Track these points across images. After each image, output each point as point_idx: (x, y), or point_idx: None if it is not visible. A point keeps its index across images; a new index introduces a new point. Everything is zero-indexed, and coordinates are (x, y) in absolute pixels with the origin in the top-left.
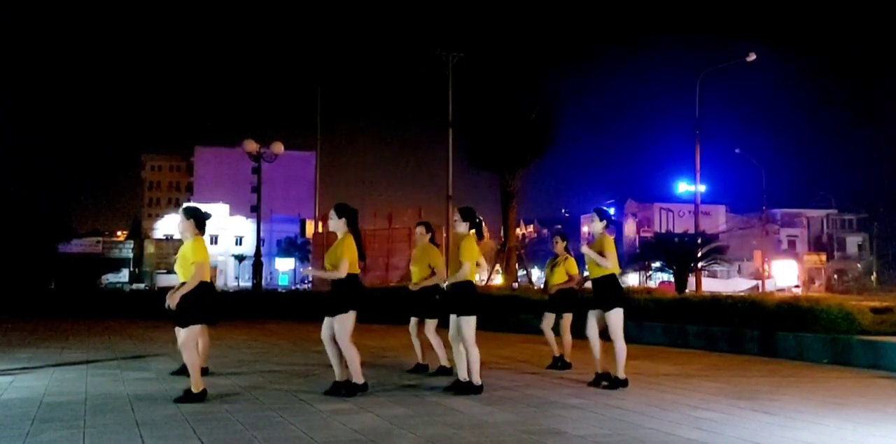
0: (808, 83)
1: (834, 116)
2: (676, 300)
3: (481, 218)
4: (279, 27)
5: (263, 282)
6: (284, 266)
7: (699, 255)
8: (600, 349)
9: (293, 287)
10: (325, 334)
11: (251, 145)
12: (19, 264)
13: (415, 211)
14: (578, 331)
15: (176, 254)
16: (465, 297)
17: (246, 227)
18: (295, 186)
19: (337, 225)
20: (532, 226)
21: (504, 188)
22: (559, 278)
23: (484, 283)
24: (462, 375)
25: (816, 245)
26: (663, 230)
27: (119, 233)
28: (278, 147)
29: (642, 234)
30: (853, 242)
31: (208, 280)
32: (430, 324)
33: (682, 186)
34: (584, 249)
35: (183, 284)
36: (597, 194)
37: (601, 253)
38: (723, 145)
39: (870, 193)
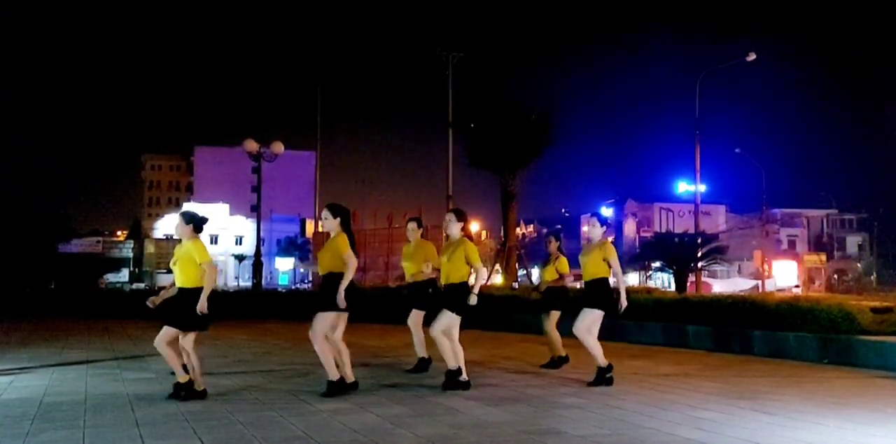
0: (808, 83)
1: (834, 116)
2: (676, 300)
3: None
4: (279, 27)
5: (263, 282)
6: (284, 266)
7: (699, 255)
8: (597, 345)
9: (293, 287)
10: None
11: (251, 145)
12: (19, 264)
13: (415, 211)
14: (565, 330)
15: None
16: (463, 297)
17: (246, 227)
18: (295, 186)
19: (331, 224)
20: (532, 226)
21: (504, 188)
22: (550, 276)
23: (485, 283)
24: (451, 365)
25: (816, 245)
26: (663, 230)
27: (119, 233)
28: (278, 147)
29: (642, 234)
30: (853, 242)
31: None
32: (419, 315)
33: (682, 186)
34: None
35: (183, 288)
36: (597, 194)
37: (608, 262)
38: (723, 145)
39: (870, 193)
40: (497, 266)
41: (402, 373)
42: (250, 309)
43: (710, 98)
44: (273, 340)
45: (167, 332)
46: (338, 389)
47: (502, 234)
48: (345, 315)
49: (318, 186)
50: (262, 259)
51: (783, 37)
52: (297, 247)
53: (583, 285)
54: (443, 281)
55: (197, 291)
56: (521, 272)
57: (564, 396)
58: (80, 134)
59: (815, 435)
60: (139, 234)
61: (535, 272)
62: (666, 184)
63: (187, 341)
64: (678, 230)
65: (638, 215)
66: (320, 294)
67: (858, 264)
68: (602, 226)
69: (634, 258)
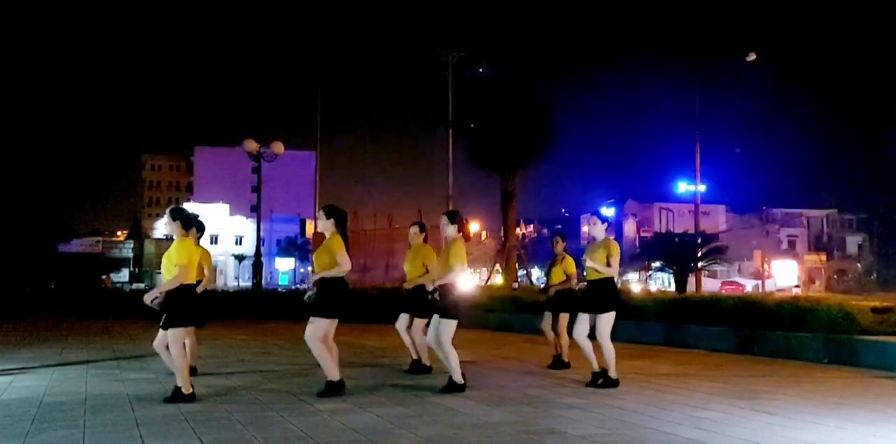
0: (808, 83)
1: (834, 116)
2: (676, 300)
3: (465, 218)
4: (279, 27)
5: (263, 282)
6: (284, 266)
7: (699, 255)
8: (592, 349)
9: (293, 287)
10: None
11: (251, 145)
12: (19, 264)
13: (415, 211)
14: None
15: None
16: (451, 299)
17: (246, 227)
18: (295, 186)
19: (325, 226)
20: (532, 226)
21: (504, 188)
22: (557, 277)
23: (485, 283)
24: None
25: (816, 245)
26: (663, 230)
27: (119, 233)
28: (278, 147)
29: (642, 234)
30: (853, 242)
31: (193, 282)
32: (420, 323)
33: (682, 186)
34: (588, 262)
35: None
36: (597, 194)
37: (608, 260)
38: (723, 145)
39: (870, 193)
40: (497, 266)
41: (401, 373)
42: (250, 309)
43: (710, 98)
44: (273, 340)
45: (161, 333)
46: (336, 389)
47: (502, 234)
48: (336, 320)
49: (318, 186)
50: (262, 259)
51: (783, 37)
52: (297, 247)
53: (586, 285)
54: (406, 286)
55: (176, 292)
56: (521, 272)
57: (564, 396)
58: (80, 134)
59: (815, 435)
60: (139, 234)
61: (536, 273)
62: (666, 184)
63: (167, 338)
64: (678, 230)
65: (638, 215)
66: (319, 296)
67: (858, 264)
68: (603, 223)
69: (634, 258)
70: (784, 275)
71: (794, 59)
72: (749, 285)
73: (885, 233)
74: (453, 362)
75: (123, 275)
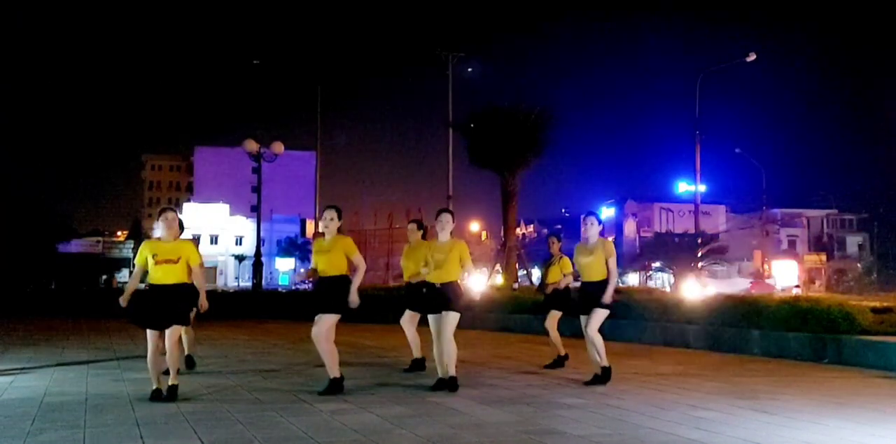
0: (808, 83)
1: (834, 116)
2: (676, 300)
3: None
4: (279, 27)
5: (263, 282)
6: (284, 266)
7: (699, 255)
8: (603, 347)
9: (293, 287)
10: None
11: (251, 145)
12: (20, 264)
13: (415, 211)
14: (567, 330)
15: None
16: (458, 295)
17: (246, 227)
18: (295, 186)
19: (335, 226)
20: (532, 226)
21: (504, 188)
22: (555, 277)
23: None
24: (448, 372)
25: (816, 245)
26: (663, 230)
27: (119, 233)
28: (278, 147)
29: (642, 234)
30: (853, 242)
31: (150, 283)
32: (414, 317)
33: (682, 186)
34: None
35: None
36: (597, 194)
37: (608, 261)
38: (723, 145)
39: (870, 193)
40: (497, 266)
41: (402, 373)
42: (250, 309)
43: (710, 98)
44: (273, 340)
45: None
46: (338, 387)
47: (502, 234)
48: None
49: (318, 186)
50: (262, 259)
51: (783, 37)
52: (297, 247)
53: (585, 286)
54: (437, 280)
55: (137, 293)
56: (521, 272)
57: (564, 396)
58: (81, 134)
59: (815, 435)
60: (139, 234)
61: (536, 273)
62: (666, 184)
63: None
64: (678, 230)
65: (638, 215)
66: (324, 296)
67: (858, 264)
68: (599, 225)
69: (634, 258)
70: (784, 275)
71: (794, 60)
72: (715, 286)
73: (885, 233)
74: (454, 356)
75: (123, 275)
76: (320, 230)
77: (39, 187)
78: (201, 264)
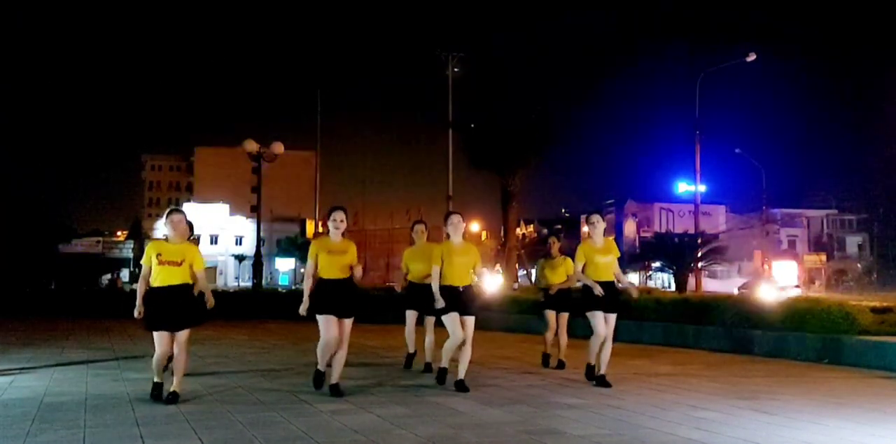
0: (808, 83)
1: (834, 116)
2: (676, 300)
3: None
4: (279, 27)
5: (263, 282)
6: (284, 266)
7: (699, 255)
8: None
9: (293, 287)
10: (335, 335)
11: (251, 145)
12: (20, 264)
13: (415, 211)
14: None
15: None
16: (476, 298)
17: (246, 227)
18: (295, 186)
19: (344, 228)
20: (532, 226)
21: (504, 188)
22: (559, 278)
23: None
24: (460, 374)
25: (816, 245)
26: (663, 230)
27: (119, 233)
28: (278, 147)
29: (642, 234)
30: (853, 242)
31: (153, 285)
32: (430, 321)
33: (682, 187)
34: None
35: None
36: (597, 194)
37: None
38: (723, 145)
39: (870, 193)
40: (497, 266)
41: (402, 373)
42: (250, 309)
43: (710, 98)
44: (273, 340)
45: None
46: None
47: (502, 234)
48: None
49: (318, 186)
50: (262, 260)
51: (783, 37)
52: (297, 247)
53: (602, 286)
54: (460, 283)
55: (144, 295)
56: (521, 272)
57: (564, 396)
58: (81, 134)
59: (815, 435)
60: (139, 234)
61: (534, 273)
62: (666, 184)
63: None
64: (678, 230)
65: (638, 215)
66: (346, 299)
67: (858, 264)
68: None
69: (634, 258)
70: (784, 275)
71: (794, 60)
72: (715, 286)
73: (885, 233)
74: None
75: (123, 275)
76: (332, 231)
77: (39, 187)
78: (205, 269)
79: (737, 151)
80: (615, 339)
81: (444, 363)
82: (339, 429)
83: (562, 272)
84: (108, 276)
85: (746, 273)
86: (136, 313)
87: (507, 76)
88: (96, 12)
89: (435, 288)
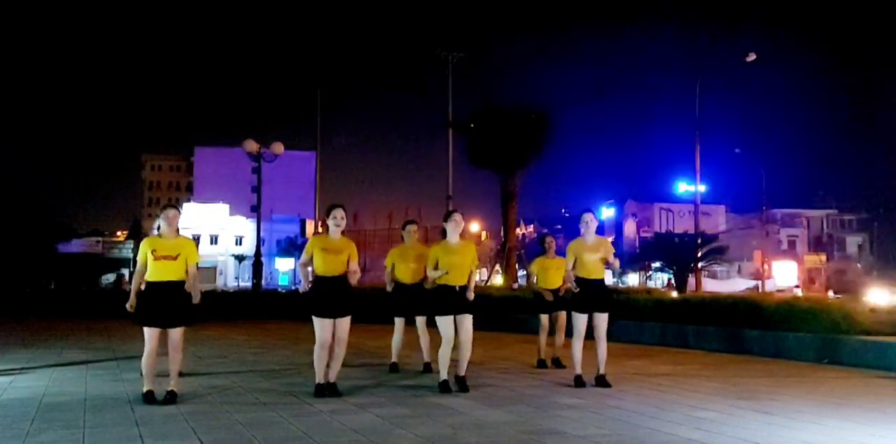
0: (808, 83)
1: (834, 116)
2: (676, 300)
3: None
4: (279, 27)
5: (263, 282)
6: (284, 266)
7: (699, 255)
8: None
9: (293, 287)
10: (329, 337)
11: (251, 145)
12: (20, 264)
13: (414, 211)
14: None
15: None
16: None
17: (246, 227)
18: (295, 186)
19: (344, 225)
20: (532, 226)
21: (504, 188)
22: (556, 278)
23: (485, 283)
24: (460, 371)
25: (816, 245)
26: (663, 230)
27: (119, 233)
28: (278, 147)
29: (642, 234)
30: (853, 242)
31: (147, 280)
32: (422, 321)
33: (682, 187)
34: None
35: None
36: (597, 194)
37: (609, 257)
38: (723, 145)
39: (870, 193)
40: (497, 266)
41: (401, 373)
42: (250, 309)
43: (710, 98)
44: (273, 340)
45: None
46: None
47: (502, 234)
48: None
49: (318, 186)
50: (262, 259)
51: (783, 37)
52: (297, 247)
53: (591, 283)
54: (456, 283)
55: (139, 291)
56: (521, 273)
57: (564, 396)
58: (80, 134)
59: (815, 435)
60: (139, 234)
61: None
62: (666, 184)
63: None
64: (678, 230)
65: (638, 215)
66: (343, 297)
67: (858, 264)
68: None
69: (634, 258)
70: (784, 275)
71: (794, 60)
72: (715, 286)
73: (885, 233)
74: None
75: (124, 275)
76: (333, 229)
77: (39, 187)
78: (197, 264)
79: (737, 151)
80: (615, 339)
81: (444, 376)
82: (339, 429)
83: (557, 273)
84: (113, 275)
85: (747, 273)
86: (128, 306)
87: (508, 76)
88: (96, 12)
89: (431, 274)
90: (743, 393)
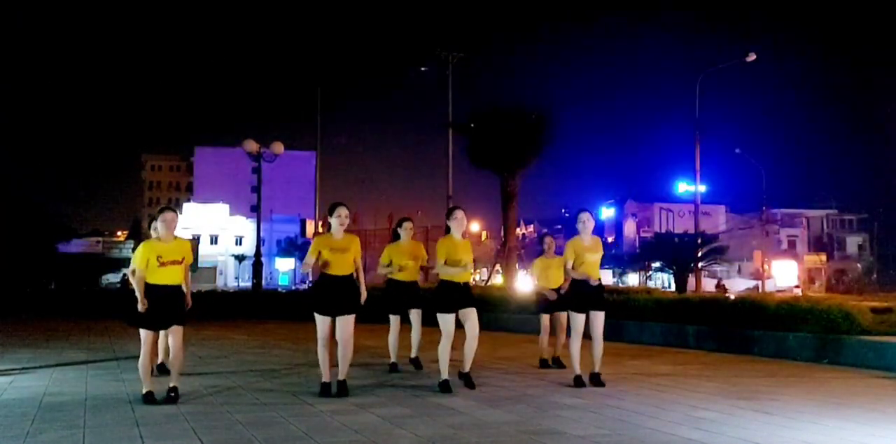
0: (808, 83)
1: (834, 116)
2: (676, 300)
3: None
4: (279, 27)
5: (263, 282)
6: (284, 266)
7: (699, 255)
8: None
9: (293, 287)
10: (328, 334)
11: (251, 145)
12: (20, 264)
13: (414, 211)
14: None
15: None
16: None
17: (246, 227)
18: (295, 186)
19: (347, 224)
20: (532, 226)
21: (504, 188)
22: (556, 277)
23: (485, 283)
24: (465, 367)
25: (816, 245)
26: (663, 230)
27: (119, 233)
28: (278, 147)
29: (642, 234)
30: (853, 242)
31: (153, 283)
32: (418, 314)
33: (682, 187)
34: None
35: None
36: (597, 194)
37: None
38: (723, 145)
39: (870, 193)
40: (497, 266)
41: (401, 373)
42: (250, 309)
43: (710, 98)
44: (273, 340)
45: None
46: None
47: (502, 234)
48: None
49: (318, 186)
50: (262, 259)
51: (783, 36)
52: (297, 247)
53: (587, 284)
54: (461, 279)
55: (142, 294)
56: (521, 272)
57: (564, 396)
58: (81, 134)
59: (815, 435)
60: (139, 234)
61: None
62: (666, 184)
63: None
64: (678, 230)
65: (638, 215)
66: (346, 296)
67: (858, 264)
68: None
69: (634, 258)
70: (784, 275)
71: (794, 60)
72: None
73: (885, 233)
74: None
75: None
76: (336, 227)
77: (39, 188)
78: (190, 264)
79: (737, 151)
80: (615, 339)
81: (445, 375)
82: (339, 429)
83: (557, 273)
84: (115, 276)
85: (747, 273)
86: (140, 307)
87: (508, 76)
88: (96, 12)
89: (443, 269)
90: (743, 393)
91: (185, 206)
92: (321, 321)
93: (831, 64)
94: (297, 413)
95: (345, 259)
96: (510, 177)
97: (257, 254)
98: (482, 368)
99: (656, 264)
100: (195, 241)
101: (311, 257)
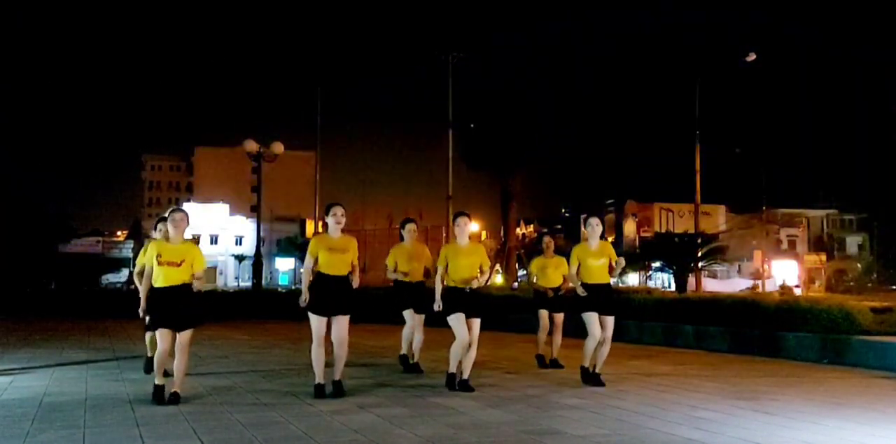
0: (808, 83)
1: (834, 116)
2: (676, 300)
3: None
4: (279, 27)
5: (263, 282)
6: (284, 266)
7: (699, 255)
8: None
9: (293, 287)
10: (324, 334)
11: (251, 145)
12: (20, 264)
13: (414, 211)
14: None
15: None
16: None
17: (246, 227)
18: (295, 186)
19: (343, 223)
20: (532, 226)
21: (504, 188)
22: (555, 277)
23: (485, 283)
24: (465, 374)
25: (816, 245)
26: (663, 230)
27: (119, 233)
28: (278, 147)
29: (642, 234)
30: (853, 242)
31: (154, 285)
32: (420, 319)
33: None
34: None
35: None
36: (597, 194)
37: (611, 262)
38: (723, 145)
39: (870, 193)
40: (497, 266)
41: (401, 373)
42: (250, 309)
43: (710, 98)
44: (273, 340)
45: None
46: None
47: (502, 234)
48: None
49: (318, 186)
50: (262, 259)
51: (783, 37)
52: (297, 247)
53: (595, 288)
54: (465, 285)
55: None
56: (521, 272)
57: (564, 396)
58: (81, 134)
59: (815, 435)
60: (139, 234)
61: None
62: (666, 184)
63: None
64: (678, 230)
65: (638, 215)
66: (343, 296)
67: (858, 264)
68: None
69: (634, 258)
70: (784, 275)
71: (794, 60)
72: (715, 286)
73: (885, 233)
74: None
75: (124, 275)
76: (333, 227)
77: (39, 188)
78: (205, 270)
79: (737, 151)
80: (615, 339)
81: (453, 368)
82: (339, 429)
83: (555, 272)
84: (115, 276)
85: (747, 273)
86: (140, 312)
87: (508, 76)
88: (96, 12)
89: (438, 290)
90: (743, 393)
91: (185, 206)
92: (316, 321)
93: (831, 64)
94: (297, 413)
95: (342, 259)
96: (510, 177)
97: (257, 254)
98: (482, 368)
99: (656, 264)
100: (195, 240)
101: (309, 259)
